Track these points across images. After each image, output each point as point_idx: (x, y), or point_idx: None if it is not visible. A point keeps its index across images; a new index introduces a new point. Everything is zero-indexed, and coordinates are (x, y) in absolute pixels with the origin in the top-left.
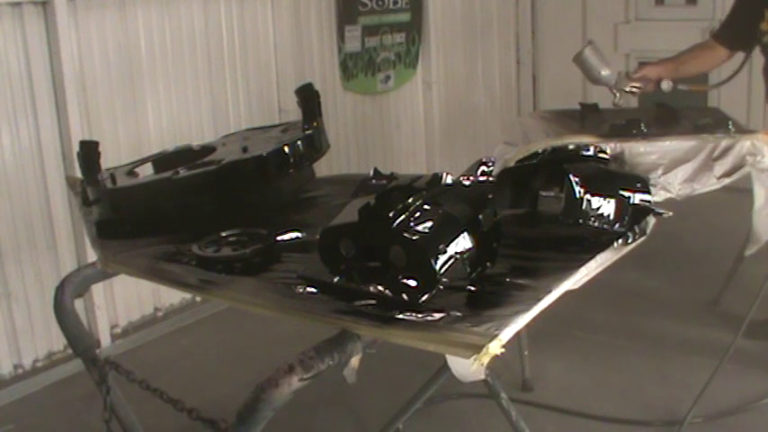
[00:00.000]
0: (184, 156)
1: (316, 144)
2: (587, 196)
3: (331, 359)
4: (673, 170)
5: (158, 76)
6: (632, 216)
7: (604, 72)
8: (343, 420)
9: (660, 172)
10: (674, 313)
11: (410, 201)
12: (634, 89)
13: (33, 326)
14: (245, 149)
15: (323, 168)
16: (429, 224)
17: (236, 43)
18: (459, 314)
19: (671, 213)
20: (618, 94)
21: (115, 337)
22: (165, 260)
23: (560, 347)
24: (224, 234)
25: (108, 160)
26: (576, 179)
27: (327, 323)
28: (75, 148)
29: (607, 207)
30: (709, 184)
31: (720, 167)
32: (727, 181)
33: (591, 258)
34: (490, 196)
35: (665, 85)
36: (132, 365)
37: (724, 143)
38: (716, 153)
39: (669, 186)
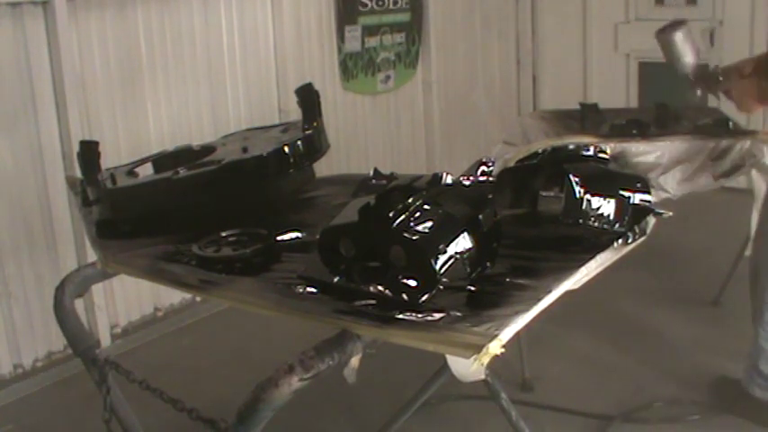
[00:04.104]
0: (184, 156)
1: (316, 144)
2: (587, 196)
3: (331, 359)
4: (671, 170)
5: (158, 76)
6: (632, 216)
7: (687, 59)
8: (343, 420)
9: (659, 172)
10: (674, 313)
11: (410, 201)
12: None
13: (33, 326)
14: (245, 149)
15: (323, 168)
16: (429, 224)
17: (236, 43)
18: (459, 314)
19: (671, 213)
20: (698, 86)
21: (115, 337)
22: (165, 260)
23: (560, 347)
24: (224, 234)
25: (108, 160)
26: (576, 179)
27: (327, 323)
28: (76, 148)
29: (607, 207)
30: (708, 184)
31: (720, 167)
32: (726, 181)
33: (591, 258)
34: (490, 196)
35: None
36: (132, 365)
37: (724, 143)
38: (715, 153)
39: (667, 186)
